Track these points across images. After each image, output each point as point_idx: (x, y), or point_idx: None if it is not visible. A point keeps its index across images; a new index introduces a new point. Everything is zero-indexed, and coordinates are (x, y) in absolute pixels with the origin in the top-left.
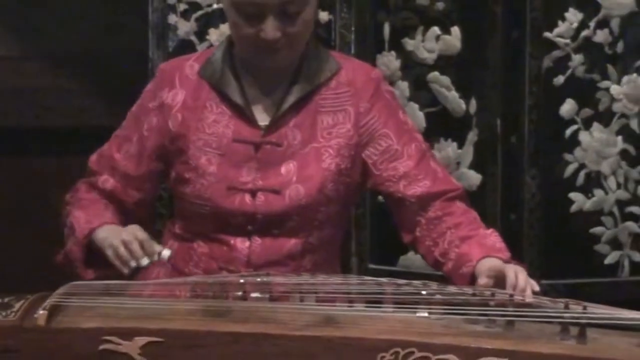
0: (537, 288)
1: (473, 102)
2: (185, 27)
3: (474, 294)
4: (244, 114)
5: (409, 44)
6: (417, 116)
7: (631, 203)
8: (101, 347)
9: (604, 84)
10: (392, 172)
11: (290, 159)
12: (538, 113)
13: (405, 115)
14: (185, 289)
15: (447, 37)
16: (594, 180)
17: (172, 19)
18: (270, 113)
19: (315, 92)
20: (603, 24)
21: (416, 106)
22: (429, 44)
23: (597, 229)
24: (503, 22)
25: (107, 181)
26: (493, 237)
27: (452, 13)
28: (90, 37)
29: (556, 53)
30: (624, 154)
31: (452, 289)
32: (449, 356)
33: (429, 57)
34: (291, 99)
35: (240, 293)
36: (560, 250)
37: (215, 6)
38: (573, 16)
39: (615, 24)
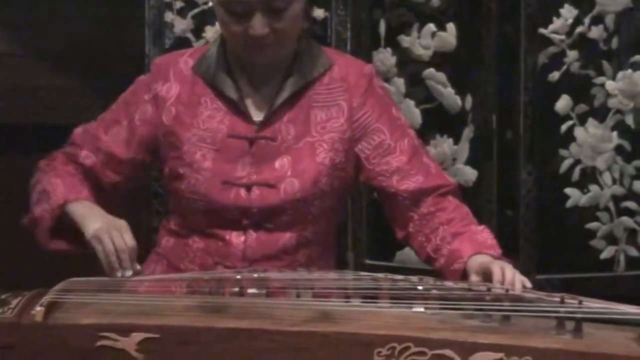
0: (529, 284)
1: (469, 99)
2: (181, 25)
3: (469, 289)
4: (238, 110)
5: (405, 40)
6: (413, 113)
7: (626, 198)
8: (98, 343)
9: (599, 79)
10: (385, 166)
11: (284, 154)
12: (533, 109)
13: (398, 111)
14: (182, 285)
15: (442, 33)
16: (590, 176)
17: (169, 16)
18: (264, 108)
19: (308, 88)
20: (598, 20)
21: (412, 102)
22: (425, 40)
23: (593, 224)
24: (498, 18)
25: (89, 157)
26: (484, 234)
27: (447, 10)
28: (87, 35)
29: (551, 49)
30: (619, 149)
31: (448, 284)
32: (445, 351)
33: (425, 53)
34: (285, 95)
35: (237, 289)
36: (556, 245)
37: (211, 4)
38: (568, 12)
39: (610, 20)
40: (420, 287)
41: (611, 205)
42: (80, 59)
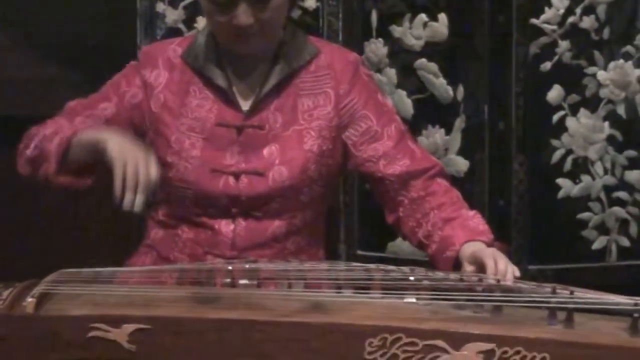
0: (517, 273)
1: (460, 89)
2: (173, 15)
3: (461, 280)
4: (226, 98)
5: (397, 31)
6: (404, 103)
7: (618, 188)
8: (89, 334)
9: (591, 70)
10: (372, 152)
11: (272, 142)
12: (525, 99)
13: (384, 97)
14: (174, 276)
15: (434, 24)
16: (581, 166)
17: (160, 7)
18: (251, 97)
19: (295, 76)
20: (589, 10)
21: (404, 93)
22: (416, 30)
23: (585, 215)
24: (490, 8)
25: (84, 122)
26: (476, 219)
27: (439, 0)
28: (78, 26)
29: (543, 39)
30: (610, 139)
31: (439, 274)
32: (437, 341)
33: (417, 44)
34: (271, 83)
35: (228, 280)
36: (548, 235)
37: None
38: (559, 2)
39: (601, 10)
40: (411, 278)
41: (603, 195)
42: (71, 50)
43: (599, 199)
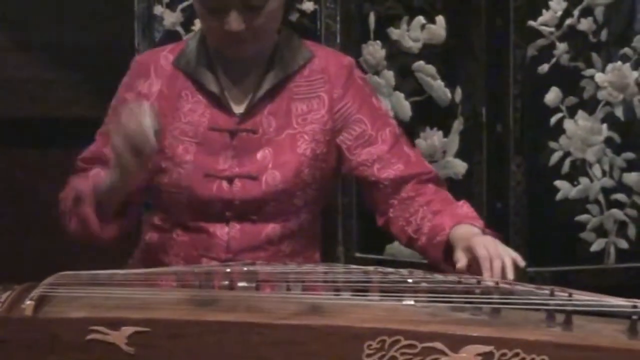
0: (521, 263)
1: (458, 91)
2: (171, 18)
3: (459, 282)
4: (219, 103)
5: (394, 33)
6: (402, 105)
7: (616, 190)
8: (88, 337)
9: (589, 72)
10: (366, 156)
11: (266, 146)
12: (523, 101)
13: (379, 101)
14: (172, 279)
15: (432, 26)
16: (579, 168)
17: (158, 9)
18: (244, 101)
19: (288, 80)
20: (587, 12)
21: (402, 95)
22: (414, 33)
23: (583, 217)
24: (487, 11)
25: (99, 173)
26: (465, 208)
27: (436, 2)
28: (76, 27)
29: (541, 41)
30: (608, 141)
31: (438, 277)
32: (435, 344)
33: (414, 46)
34: (265, 87)
35: (226, 282)
36: (546, 238)
37: None
38: (557, 5)
39: (599, 12)
40: (410, 280)
41: (601, 197)
42: (69, 52)
43: (597, 201)
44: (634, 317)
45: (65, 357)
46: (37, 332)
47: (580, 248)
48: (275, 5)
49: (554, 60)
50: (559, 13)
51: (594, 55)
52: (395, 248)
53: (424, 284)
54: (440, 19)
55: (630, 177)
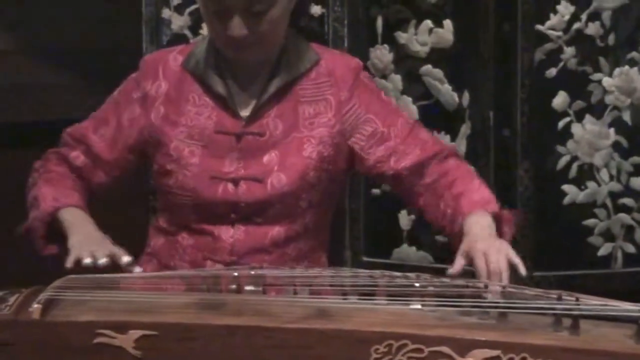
0: (523, 272)
1: (466, 95)
2: (179, 22)
3: (467, 286)
4: (226, 105)
5: (402, 37)
6: (410, 109)
7: (624, 195)
8: (96, 340)
9: (596, 76)
10: (382, 153)
11: (272, 149)
12: (530, 106)
13: (388, 97)
14: (179, 283)
15: (439, 30)
16: (587, 173)
17: (166, 13)
18: (251, 104)
19: (295, 83)
20: (595, 16)
21: (409, 99)
22: (422, 37)
23: (590, 221)
24: (495, 15)
25: (78, 157)
26: (481, 190)
27: (444, 6)
28: (84, 31)
29: (548, 46)
30: (616, 146)
31: (445, 281)
32: (442, 348)
33: (422, 50)
34: (271, 90)
35: (234, 286)
36: (554, 242)
37: None
38: (565, 9)
39: (606, 16)
40: (417, 284)
41: (608, 202)
42: (76, 56)
43: (604, 206)
44: None
45: None
46: (45, 336)
47: (587, 252)
48: (279, 12)
49: (561, 64)
50: (567, 17)
51: (602, 60)
52: (403, 252)
53: (431, 288)
54: (447, 23)
55: (638, 182)
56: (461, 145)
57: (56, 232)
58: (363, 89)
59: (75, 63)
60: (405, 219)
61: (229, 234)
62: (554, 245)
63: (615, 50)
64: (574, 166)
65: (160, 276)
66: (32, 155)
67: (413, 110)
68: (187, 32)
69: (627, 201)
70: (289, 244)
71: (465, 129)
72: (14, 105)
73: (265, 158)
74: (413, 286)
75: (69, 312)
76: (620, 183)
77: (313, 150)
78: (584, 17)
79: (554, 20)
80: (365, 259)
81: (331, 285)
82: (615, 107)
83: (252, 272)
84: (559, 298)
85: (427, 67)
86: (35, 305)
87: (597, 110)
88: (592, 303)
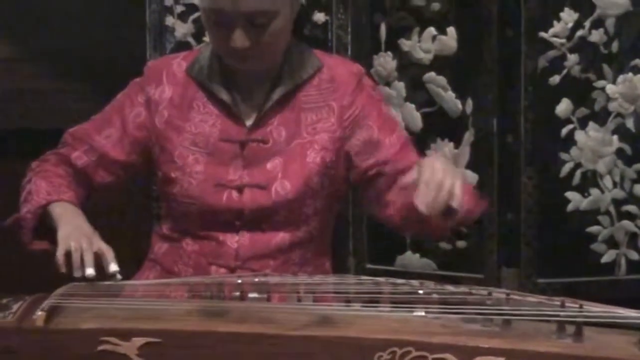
0: (456, 204)
1: (469, 102)
2: (182, 29)
3: (470, 293)
4: (230, 113)
5: (405, 44)
6: (413, 116)
7: (627, 202)
8: (99, 347)
9: (600, 83)
10: (373, 160)
11: (276, 156)
12: (534, 113)
13: (387, 108)
14: (183, 290)
15: (443, 37)
16: (590, 180)
17: (170, 20)
18: (254, 111)
19: (298, 90)
20: (598, 23)
21: (413, 106)
22: (425, 44)
23: (594, 228)
24: (498, 22)
25: (80, 158)
26: None
27: (448, 13)
28: (88, 38)
29: (552, 53)
30: (619, 153)
31: (449, 288)
32: (446, 355)
33: (425, 57)
34: (274, 97)
35: (237, 293)
36: (557, 249)
37: None
38: (568, 16)
39: (610, 23)
40: (421, 291)
41: (612, 208)
42: (81, 63)
43: (608, 213)
44: None
45: None
46: (49, 343)
47: (591, 259)
48: (281, 23)
49: (565, 71)
50: (570, 24)
51: (605, 67)
52: (407, 259)
53: (434, 295)
54: (451, 30)
55: None
56: (465, 153)
57: (47, 229)
58: (365, 95)
59: (79, 70)
60: None
61: (234, 240)
62: (558, 252)
63: (619, 58)
64: (578, 173)
65: (163, 283)
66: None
67: (417, 117)
68: (190, 40)
69: (631, 208)
70: (293, 250)
71: (468, 136)
72: (18, 111)
73: (269, 165)
74: (417, 293)
75: (72, 319)
76: (624, 190)
77: (316, 155)
78: (587, 24)
79: (557, 27)
80: (368, 265)
81: (335, 293)
82: (619, 114)
83: (256, 279)
84: (563, 305)
85: (431, 74)
86: (39, 313)
87: (601, 117)
88: (596, 310)
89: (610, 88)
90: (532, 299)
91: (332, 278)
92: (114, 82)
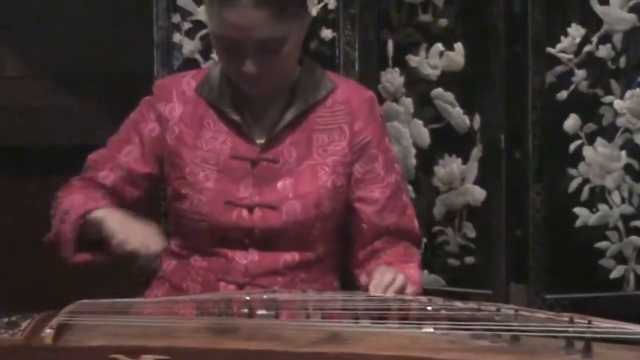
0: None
1: (477, 118)
2: (190, 46)
3: (479, 309)
4: (241, 131)
5: (413, 60)
6: (421, 132)
7: (636, 217)
8: None
9: (607, 98)
10: (368, 193)
11: (286, 176)
12: (542, 128)
13: (390, 142)
14: (191, 307)
15: (450, 53)
16: (599, 195)
17: (177, 37)
18: (266, 130)
19: (311, 111)
20: (605, 39)
21: (420, 122)
22: (433, 60)
23: (602, 244)
24: (506, 38)
25: (108, 177)
26: (412, 269)
27: (455, 29)
28: (95, 56)
29: (559, 68)
30: (628, 168)
31: (457, 304)
32: None
33: (433, 73)
34: (287, 118)
35: (246, 310)
36: (565, 264)
37: None
38: (575, 31)
39: (617, 39)
40: (429, 308)
41: (620, 224)
42: (88, 80)
43: (616, 228)
44: None
45: None
46: None
47: (599, 275)
48: (291, 47)
49: (572, 87)
50: (578, 40)
51: (613, 82)
52: None
53: (443, 312)
54: (458, 46)
55: None
56: (472, 169)
57: (87, 242)
58: (377, 125)
59: (86, 87)
60: None
61: (243, 257)
62: (566, 267)
63: (627, 73)
64: (586, 189)
65: (171, 300)
66: (44, 180)
67: (424, 133)
68: (198, 57)
69: (639, 223)
70: (302, 269)
71: (476, 152)
72: (26, 129)
73: (280, 185)
74: (425, 310)
75: (81, 337)
76: (632, 205)
77: (327, 179)
78: (594, 39)
79: (564, 42)
80: None
81: (343, 309)
82: (627, 130)
83: (265, 296)
84: (571, 321)
85: (438, 90)
86: (48, 330)
87: (609, 132)
88: (605, 326)
89: (618, 103)
90: (541, 314)
91: (341, 295)
92: (122, 99)
